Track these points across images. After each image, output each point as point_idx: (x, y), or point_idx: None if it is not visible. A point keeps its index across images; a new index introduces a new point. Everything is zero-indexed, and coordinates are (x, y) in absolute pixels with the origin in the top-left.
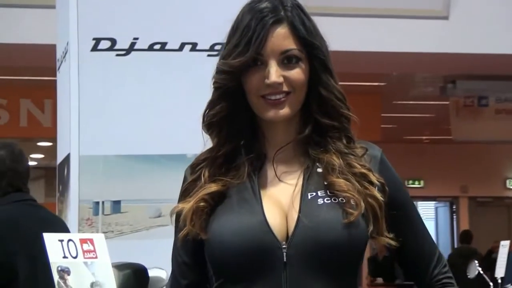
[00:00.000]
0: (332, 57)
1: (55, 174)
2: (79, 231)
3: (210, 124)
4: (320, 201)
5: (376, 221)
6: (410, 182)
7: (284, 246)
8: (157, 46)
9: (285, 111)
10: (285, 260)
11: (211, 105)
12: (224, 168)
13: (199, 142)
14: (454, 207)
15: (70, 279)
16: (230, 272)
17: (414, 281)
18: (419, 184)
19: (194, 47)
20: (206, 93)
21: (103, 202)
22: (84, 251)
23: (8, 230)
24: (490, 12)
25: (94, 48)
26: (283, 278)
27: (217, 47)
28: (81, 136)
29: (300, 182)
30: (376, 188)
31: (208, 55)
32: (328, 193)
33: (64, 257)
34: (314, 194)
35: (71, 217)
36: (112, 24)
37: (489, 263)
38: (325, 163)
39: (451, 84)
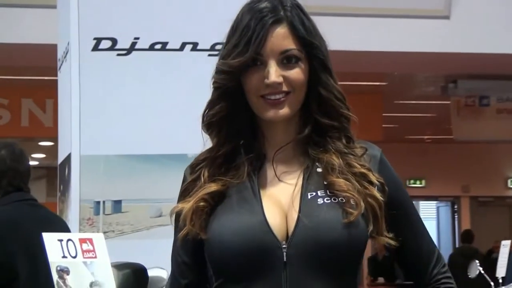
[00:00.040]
0: (333, 56)
1: (57, 174)
2: (80, 230)
3: (210, 124)
4: (320, 201)
5: (376, 221)
6: (412, 181)
7: (284, 246)
8: (158, 46)
9: (284, 111)
10: (285, 260)
11: (210, 105)
12: (224, 168)
13: (200, 142)
14: (455, 206)
15: (69, 278)
16: (230, 272)
17: (413, 281)
18: (421, 183)
19: (195, 47)
20: (207, 92)
21: (104, 202)
22: (83, 251)
23: (8, 230)
24: (492, 11)
25: (95, 48)
26: (283, 278)
27: (218, 47)
28: (82, 135)
29: (300, 182)
30: (376, 188)
31: (209, 55)
32: (328, 193)
33: (64, 256)
34: (314, 194)
35: (72, 216)
36: (113, 24)
37: (489, 263)
38: (324, 163)
39: (453, 84)
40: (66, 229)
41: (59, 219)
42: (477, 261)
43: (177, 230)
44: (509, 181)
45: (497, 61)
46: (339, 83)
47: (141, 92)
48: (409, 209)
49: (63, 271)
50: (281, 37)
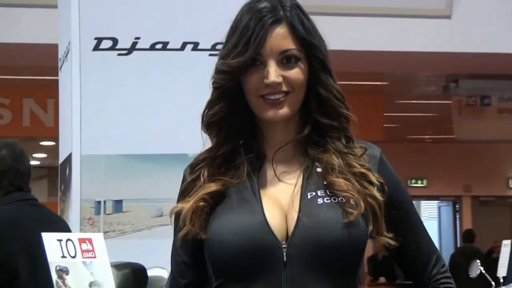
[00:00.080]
0: (334, 56)
1: (58, 174)
2: (81, 230)
3: (209, 124)
4: (320, 200)
5: (376, 221)
6: (413, 181)
7: (284, 246)
8: (159, 46)
9: (284, 111)
10: (285, 259)
11: (210, 105)
12: (224, 168)
13: (201, 142)
14: (457, 206)
15: (68, 278)
16: (230, 271)
17: (413, 280)
18: (422, 183)
19: (195, 46)
20: (207, 92)
21: (104, 202)
22: (82, 251)
23: (8, 230)
24: (493, 11)
25: (96, 48)
26: (283, 278)
27: (219, 47)
28: (83, 135)
29: (300, 182)
30: (376, 187)
31: (210, 55)
32: (328, 192)
33: (63, 256)
34: (314, 193)
35: (73, 216)
36: (113, 23)
37: (489, 263)
38: (324, 163)
39: (454, 83)
40: (67, 229)
41: (60, 219)
42: (478, 261)
43: (176, 230)
44: (510, 180)
45: (499, 61)
46: (340, 82)
47: (142, 91)
48: (409, 209)
49: (62, 271)
50: (280, 37)
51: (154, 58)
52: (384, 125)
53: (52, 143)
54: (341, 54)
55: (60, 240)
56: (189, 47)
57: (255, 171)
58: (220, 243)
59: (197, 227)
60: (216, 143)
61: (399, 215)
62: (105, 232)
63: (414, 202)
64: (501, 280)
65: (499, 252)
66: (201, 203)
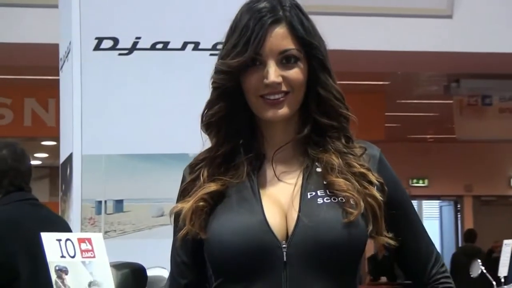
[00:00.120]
0: (335, 56)
1: (59, 174)
2: (82, 230)
3: (209, 124)
4: (319, 200)
5: (376, 221)
6: (415, 181)
7: (284, 246)
8: (160, 46)
9: (283, 110)
10: (285, 259)
11: (209, 105)
12: (223, 168)
13: (202, 142)
14: (458, 206)
15: (68, 278)
16: (230, 271)
17: (412, 280)
18: (423, 183)
19: (196, 46)
20: (208, 92)
21: (105, 201)
22: (82, 251)
23: (8, 230)
24: (494, 11)
25: (97, 48)
26: (283, 278)
27: (220, 47)
28: (84, 135)
29: (300, 182)
30: (375, 187)
31: (211, 54)
32: (328, 192)
33: (62, 256)
34: (314, 193)
35: (74, 216)
36: (114, 23)
37: (489, 263)
38: (324, 163)
39: (455, 83)
40: (67, 229)
41: (61, 219)
42: (479, 261)
43: (176, 230)
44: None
45: (500, 61)
46: (342, 82)
47: (142, 91)
48: (408, 209)
49: (61, 271)
50: (280, 37)
51: (154, 58)
52: (386, 124)
53: (53, 143)
54: (342, 54)
55: (59, 240)
56: (189, 47)
57: (254, 171)
58: (220, 243)
59: (197, 227)
60: (216, 143)
61: (399, 215)
62: (106, 232)
63: (415, 202)
64: (502, 280)
65: (499, 252)
66: (201, 203)
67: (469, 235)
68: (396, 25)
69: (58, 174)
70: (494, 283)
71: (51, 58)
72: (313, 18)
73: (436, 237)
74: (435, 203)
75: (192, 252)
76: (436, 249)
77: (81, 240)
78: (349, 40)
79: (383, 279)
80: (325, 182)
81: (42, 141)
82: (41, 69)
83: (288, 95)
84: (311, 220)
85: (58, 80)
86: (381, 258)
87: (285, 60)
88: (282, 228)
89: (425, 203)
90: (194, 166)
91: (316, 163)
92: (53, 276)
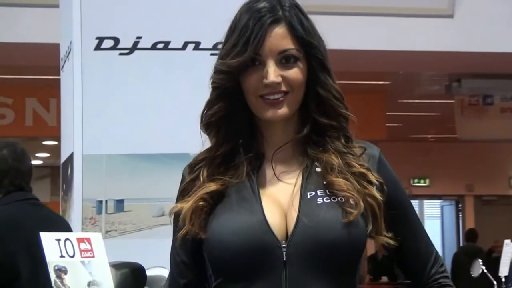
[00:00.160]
0: (336, 55)
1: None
2: (83, 230)
3: (208, 124)
4: (319, 200)
5: (375, 221)
6: (416, 180)
7: (283, 245)
8: (160, 45)
9: (283, 110)
10: (284, 259)
11: (209, 105)
12: (223, 168)
13: (202, 142)
14: (459, 205)
15: (67, 278)
16: (230, 271)
17: (411, 280)
18: (425, 182)
19: (197, 46)
20: (209, 92)
21: (106, 201)
22: (81, 250)
23: (8, 230)
24: (495, 10)
25: (97, 47)
26: (282, 277)
27: (220, 46)
28: (84, 135)
29: (299, 182)
30: (375, 187)
31: (211, 54)
32: (328, 192)
33: (61, 256)
34: (314, 193)
35: (75, 216)
36: (115, 23)
37: (489, 263)
38: (324, 163)
39: (456, 83)
40: (68, 229)
41: (62, 219)
42: (480, 260)
43: (176, 229)
44: None
45: (501, 60)
46: (343, 82)
47: (143, 91)
48: (408, 209)
49: (61, 271)
50: (279, 37)
51: (155, 57)
52: (387, 124)
53: (55, 142)
54: (344, 53)
55: (58, 240)
56: (190, 46)
57: (254, 171)
58: (220, 243)
59: (196, 226)
60: (215, 143)
61: (398, 215)
62: (106, 232)
63: (416, 201)
64: (503, 280)
65: (499, 251)
66: (201, 203)
67: (470, 235)
68: (397, 25)
69: (59, 173)
70: (495, 282)
71: (52, 58)
72: (312, 17)
73: (437, 237)
74: (436, 202)
75: (192, 251)
76: (435, 249)
77: (80, 240)
78: (350, 39)
79: (384, 279)
80: (324, 182)
81: (43, 140)
82: (42, 69)
83: (287, 95)
84: (311, 220)
85: (59, 80)
86: (381, 257)
87: (284, 60)
88: (281, 228)
89: (426, 203)
90: (193, 166)
91: (316, 163)
92: (52, 276)
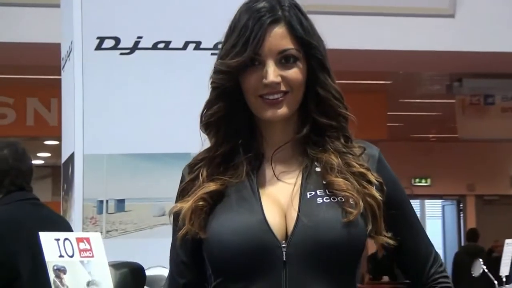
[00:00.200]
0: (337, 55)
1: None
2: (83, 229)
3: (208, 124)
4: (319, 200)
5: (375, 220)
6: (417, 180)
7: (283, 245)
8: (161, 45)
9: (283, 110)
10: (284, 259)
11: (208, 105)
12: (223, 168)
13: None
14: (461, 205)
15: (66, 278)
16: (229, 271)
17: (411, 280)
18: (426, 182)
19: (198, 45)
20: (209, 92)
21: (107, 201)
22: (80, 250)
23: (9, 230)
24: (496, 10)
25: (98, 47)
26: (282, 277)
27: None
28: (85, 135)
29: (299, 182)
30: (375, 187)
31: (212, 54)
32: (327, 192)
33: (60, 256)
34: (313, 193)
35: (75, 216)
36: (116, 23)
37: (490, 262)
38: (323, 163)
39: (457, 83)
40: (69, 229)
41: (62, 219)
42: (480, 260)
43: (175, 229)
44: None
45: (502, 60)
46: (344, 81)
47: (144, 91)
48: (407, 209)
49: (60, 271)
50: (279, 37)
51: (156, 57)
52: (388, 124)
53: (56, 142)
54: (345, 53)
55: (57, 240)
56: (191, 46)
57: (254, 171)
58: (220, 243)
59: (196, 226)
60: (215, 143)
61: (398, 215)
62: (107, 232)
63: (418, 201)
64: (504, 279)
65: (499, 251)
66: (201, 203)
67: (472, 235)
68: (398, 25)
69: (60, 173)
70: (495, 282)
71: (53, 58)
72: (312, 17)
73: (438, 237)
74: (438, 202)
75: (192, 251)
76: (434, 249)
77: (79, 240)
78: (351, 39)
79: (385, 278)
80: (324, 182)
81: (45, 140)
82: (44, 69)
83: (287, 95)
84: (311, 219)
85: (60, 80)
86: (381, 257)
87: (284, 60)
88: (281, 228)
89: (428, 203)
90: (193, 166)
91: (316, 163)
92: (51, 276)
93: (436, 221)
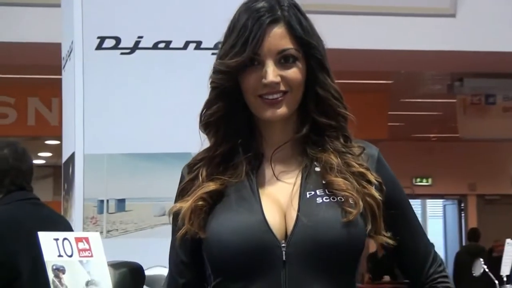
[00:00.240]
0: (338, 55)
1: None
2: (84, 229)
3: (207, 123)
4: (319, 200)
5: (374, 220)
6: (418, 180)
7: (283, 245)
8: (162, 45)
9: (282, 110)
10: (284, 259)
11: (208, 105)
12: (222, 167)
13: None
14: (462, 205)
15: (65, 278)
16: (229, 271)
17: (410, 279)
18: (427, 182)
19: (198, 45)
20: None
21: (107, 201)
22: (79, 250)
23: (9, 230)
24: (498, 10)
25: (99, 47)
26: (282, 277)
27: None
28: (86, 134)
29: (299, 181)
30: (374, 187)
31: (213, 54)
32: (327, 192)
33: (59, 255)
34: (313, 193)
35: (76, 215)
36: (116, 22)
37: (490, 262)
38: (323, 162)
39: (459, 82)
40: (69, 229)
41: (63, 218)
42: (481, 260)
43: (175, 229)
44: None
45: (503, 60)
46: (344, 81)
47: (144, 90)
48: (407, 209)
49: (59, 270)
50: (278, 37)
51: (156, 57)
52: (389, 123)
53: (57, 142)
54: (345, 53)
55: (56, 239)
56: (191, 46)
57: (253, 171)
58: (219, 242)
59: (196, 226)
60: (214, 143)
61: (397, 215)
62: (108, 231)
63: (419, 200)
64: (505, 279)
65: (499, 251)
66: (200, 202)
67: (473, 234)
68: (399, 24)
69: (61, 173)
70: (496, 282)
71: (54, 57)
72: (312, 17)
73: (439, 236)
74: (439, 202)
75: (191, 251)
76: (434, 248)
77: (78, 239)
78: (352, 39)
79: (386, 278)
80: (324, 182)
81: (46, 140)
82: (45, 68)
83: (286, 94)
84: (310, 219)
85: (61, 79)
86: (381, 256)
87: (283, 60)
88: (281, 228)
89: (429, 202)
90: (192, 166)
91: (315, 163)
92: (50, 275)
93: (437, 221)
